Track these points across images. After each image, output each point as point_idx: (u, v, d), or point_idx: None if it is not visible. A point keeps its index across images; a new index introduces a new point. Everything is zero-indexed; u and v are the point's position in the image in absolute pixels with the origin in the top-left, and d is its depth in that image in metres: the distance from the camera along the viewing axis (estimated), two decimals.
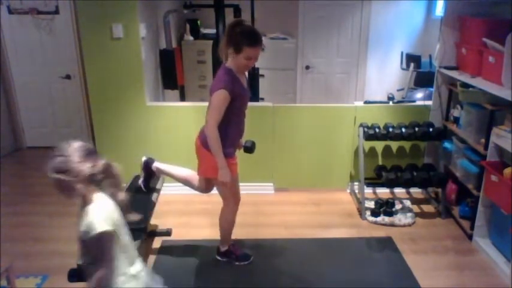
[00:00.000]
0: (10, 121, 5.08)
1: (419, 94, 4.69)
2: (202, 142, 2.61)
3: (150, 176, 3.02)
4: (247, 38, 2.41)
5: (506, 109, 2.86)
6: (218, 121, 2.43)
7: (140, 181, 3.02)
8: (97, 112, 3.77)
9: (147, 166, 2.98)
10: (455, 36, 3.54)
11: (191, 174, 2.93)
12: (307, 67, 5.77)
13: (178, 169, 2.98)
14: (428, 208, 3.77)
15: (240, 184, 2.90)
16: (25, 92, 5.02)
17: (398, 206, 3.63)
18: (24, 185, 4.25)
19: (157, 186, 3.10)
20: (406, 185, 3.61)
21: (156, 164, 2.98)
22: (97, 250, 1.63)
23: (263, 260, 3.02)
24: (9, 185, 4.23)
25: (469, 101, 3.25)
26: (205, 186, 2.89)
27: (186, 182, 2.94)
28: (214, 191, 2.90)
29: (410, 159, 3.93)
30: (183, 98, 4.87)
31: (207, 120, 2.47)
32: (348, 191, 4.07)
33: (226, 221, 2.87)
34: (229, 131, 2.55)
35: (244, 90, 2.55)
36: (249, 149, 2.80)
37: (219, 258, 3.00)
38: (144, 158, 3.01)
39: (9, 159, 4.88)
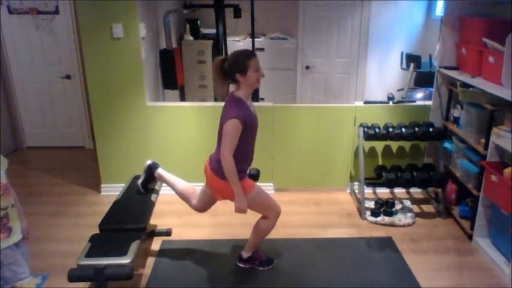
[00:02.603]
0: (10, 121, 5.08)
1: (419, 94, 4.69)
2: (215, 171, 2.57)
3: (151, 179, 3.02)
4: (243, 55, 2.49)
5: (506, 109, 2.86)
6: (233, 150, 2.42)
7: (139, 182, 3.02)
8: (97, 112, 3.77)
9: (150, 170, 2.99)
10: (455, 36, 3.54)
11: (191, 191, 2.91)
12: (307, 67, 5.77)
13: (180, 182, 2.96)
14: (428, 208, 3.77)
15: None
16: (25, 92, 5.02)
17: (398, 206, 3.62)
18: (24, 185, 4.25)
19: (156, 187, 3.10)
20: (406, 185, 3.61)
21: (160, 171, 2.98)
22: None
23: None
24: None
25: (469, 101, 3.25)
26: (204, 207, 2.89)
27: (183, 197, 2.92)
28: None
29: (411, 159, 3.94)
30: (183, 98, 4.87)
31: (221, 150, 2.44)
32: (348, 191, 4.07)
33: (264, 231, 2.80)
34: (240, 159, 2.50)
35: (254, 118, 2.55)
36: (255, 177, 2.78)
37: (241, 265, 2.94)
38: (149, 162, 3.01)
39: (9, 159, 4.83)
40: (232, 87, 2.60)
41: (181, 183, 2.94)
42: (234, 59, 2.51)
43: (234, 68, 2.47)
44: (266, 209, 2.72)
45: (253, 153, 2.66)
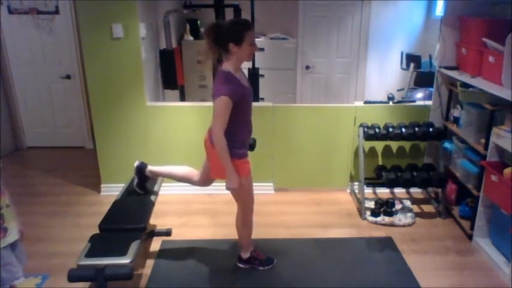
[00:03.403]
0: (10, 121, 5.08)
1: (419, 94, 4.69)
2: (213, 143, 2.54)
3: (145, 180, 3.01)
4: (241, 24, 2.38)
5: (506, 109, 2.86)
6: (224, 128, 2.37)
7: (134, 184, 3.01)
8: (97, 112, 3.77)
9: (140, 171, 2.97)
10: (455, 36, 3.54)
11: (188, 170, 2.92)
12: (307, 67, 5.77)
13: (174, 168, 2.96)
14: (428, 208, 3.76)
15: None
16: (25, 91, 5.02)
17: (398, 206, 3.62)
18: (24, 185, 4.25)
19: (155, 189, 3.10)
20: (406, 185, 3.61)
21: (150, 168, 2.97)
22: None
23: None
24: (9, 185, 4.20)
25: (469, 101, 3.25)
26: (206, 181, 2.87)
27: (185, 179, 2.93)
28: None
29: (411, 159, 3.94)
30: (183, 98, 4.87)
31: (213, 129, 2.40)
32: (348, 191, 4.07)
33: (245, 225, 2.78)
34: (239, 132, 2.49)
35: (245, 89, 2.47)
36: (251, 146, 2.79)
37: (241, 265, 2.93)
38: (136, 163, 2.99)
39: (9, 159, 4.88)
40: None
41: (176, 169, 2.94)
42: (230, 27, 2.38)
43: (229, 36, 2.35)
44: (248, 200, 2.70)
45: (251, 122, 2.60)
